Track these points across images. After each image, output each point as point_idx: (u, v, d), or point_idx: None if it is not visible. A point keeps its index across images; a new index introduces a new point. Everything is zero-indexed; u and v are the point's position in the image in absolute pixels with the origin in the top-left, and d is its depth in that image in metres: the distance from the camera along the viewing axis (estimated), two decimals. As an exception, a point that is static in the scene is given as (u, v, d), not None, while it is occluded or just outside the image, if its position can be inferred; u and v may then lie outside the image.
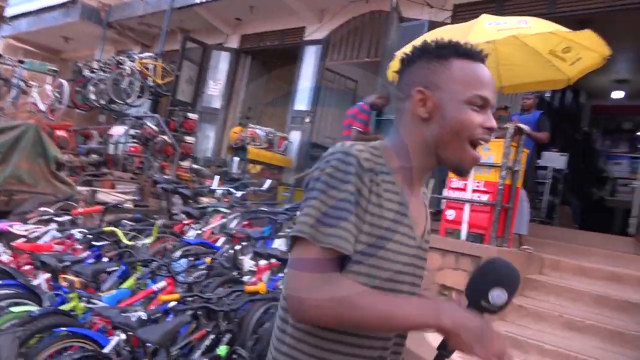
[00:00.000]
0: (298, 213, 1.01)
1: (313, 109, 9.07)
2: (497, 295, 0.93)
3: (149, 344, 2.47)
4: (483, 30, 4.03)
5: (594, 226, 6.30)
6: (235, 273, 4.03)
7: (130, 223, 4.88)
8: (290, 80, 9.75)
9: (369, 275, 1.00)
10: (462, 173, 1.10)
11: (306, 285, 0.93)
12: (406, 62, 1.11)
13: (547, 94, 8.07)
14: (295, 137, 9.15)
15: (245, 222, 5.02)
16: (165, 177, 7.07)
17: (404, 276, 1.06)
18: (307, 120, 8.98)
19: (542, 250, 4.91)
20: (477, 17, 7.08)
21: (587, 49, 4.22)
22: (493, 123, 1.05)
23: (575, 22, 4.87)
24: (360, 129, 5.45)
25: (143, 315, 2.55)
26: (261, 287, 2.96)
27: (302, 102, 9.23)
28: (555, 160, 6.97)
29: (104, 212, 5.20)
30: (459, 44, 1.08)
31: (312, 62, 9.23)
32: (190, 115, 9.76)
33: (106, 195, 6.50)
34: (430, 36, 4.77)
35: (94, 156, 8.58)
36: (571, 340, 3.70)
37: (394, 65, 4.63)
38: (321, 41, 9.18)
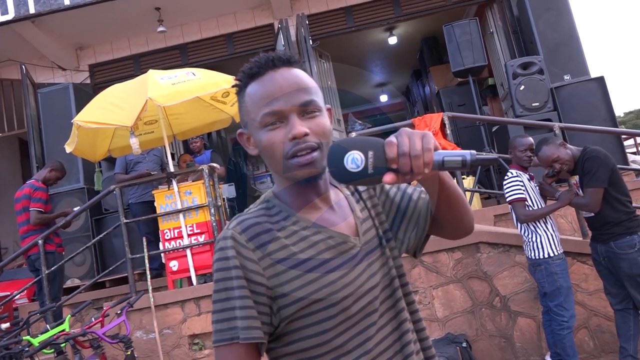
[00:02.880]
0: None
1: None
2: (350, 157, 0.89)
3: None
4: (158, 85, 4.22)
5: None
6: None
7: None
8: None
9: (331, 307, 0.98)
10: (309, 182, 1.03)
11: None
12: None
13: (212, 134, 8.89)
14: None
15: None
16: None
17: (370, 292, 1.03)
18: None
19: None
20: (116, 73, 7.29)
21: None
22: (295, 131, 0.96)
23: (206, 68, 5.56)
24: (40, 209, 4.80)
25: None
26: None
27: None
28: (227, 190, 7.76)
29: None
30: (246, 66, 1.04)
31: None
32: None
33: None
34: (106, 96, 4.62)
35: None
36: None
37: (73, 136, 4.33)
38: None
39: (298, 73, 1.03)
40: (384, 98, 12.49)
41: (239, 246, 0.96)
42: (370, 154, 0.89)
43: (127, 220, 4.71)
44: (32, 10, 6.20)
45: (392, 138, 0.90)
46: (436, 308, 4.36)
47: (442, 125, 4.48)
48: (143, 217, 5.05)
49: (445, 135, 4.48)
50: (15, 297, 5.84)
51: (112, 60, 7.45)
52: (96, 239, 5.31)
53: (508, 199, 3.48)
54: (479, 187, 5.85)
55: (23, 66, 6.52)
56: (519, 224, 3.53)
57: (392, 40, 8.87)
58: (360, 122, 9.36)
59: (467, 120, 6.18)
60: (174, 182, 4.72)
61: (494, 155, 1.11)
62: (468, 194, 5.19)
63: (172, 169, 4.90)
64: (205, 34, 7.35)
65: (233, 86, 1.11)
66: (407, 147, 0.87)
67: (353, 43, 8.56)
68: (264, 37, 7.26)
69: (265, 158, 1.03)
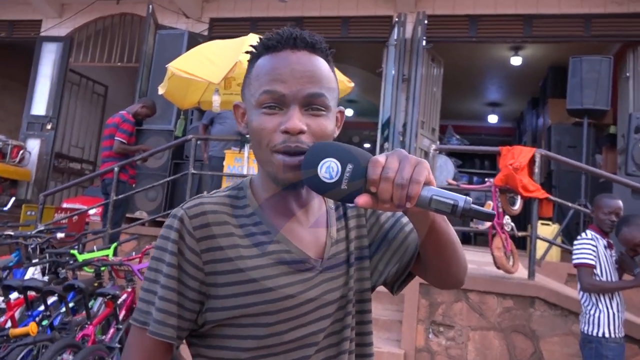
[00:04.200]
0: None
1: (55, 115, 8.05)
2: (326, 165, 0.78)
3: None
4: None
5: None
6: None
7: None
8: (24, 80, 8.44)
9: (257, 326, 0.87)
10: (283, 184, 0.89)
11: None
12: None
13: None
14: (33, 145, 7.95)
15: (-18, 251, 4.18)
16: None
17: (310, 313, 0.90)
18: (49, 127, 7.92)
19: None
20: (232, 31, 7.51)
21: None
22: (290, 124, 0.84)
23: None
24: (123, 140, 5.10)
25: None
26: (32, 327, 2.54)
27: (40, 106, 8.09)
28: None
29: None
30: (266, 35, 0.93)
31: (52, 61, 8.18)
32: None
33: None
34: (204, 49, 4.73)
35: None
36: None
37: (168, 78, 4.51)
38: (63, 39, 8.22)
39: (317, 62, 0.91)
40: (493, 119, 11.81)
41: (184, 231, 0.87)
42: (350, 167, 0.77)
43: (195, 171, 4.85)
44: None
45: (380, 156, 0.77)
46: (469, 351, 4.04)
47: (532, 162, 4.07)
48: (208, 172, 5.17)
49: (531, 174, 4.08)
50: (90, 213, 6.31)
51: (232, 18, 7.70)
52: (165, 180, 5.55)
53: (574, 262, 3.09)
54: (561, 238, 5.32)
55: (151, 6, 6.92)
56: (581, 292, 3.13)
57: (516, 61, 8.29)
58: (458, 137, 8.93)
59: (563, 164, 5.61)
60: (246, 147, 4.77)
61: (490, 211, 0.90)
62: (545, 243, 4.73)
63: (248, 134, 4.94)
64: (325, 12, 7.33)
65: (246, 52, 1.01)
66: (393, 171, 0.74)
67: (471, 54, 8.12)
68: (379, 27, 7.09)
69: (252, 141, 0.92)
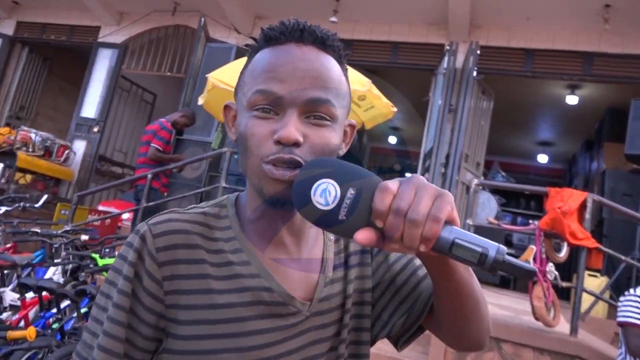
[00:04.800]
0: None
1: (103, 118, 8.24)
2: (322, 187, 0.61)
3: None
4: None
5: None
6: (-9, 309, 3.32)
7: None
8: (78, 83, 8.71)
9: None
10: (272, 203, 0.72)
11: None
12: None
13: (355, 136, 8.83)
14: (79, 147, 8.14)
15: (9, 245, 4.20)
16: None
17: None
18: (96, 129, 8.10)
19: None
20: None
21: (379, 100, 4.71)
22: (284, 132, 0.68)
23: (363, 71, 5.43)
24: (159, 147, 5.10)
25: None
26: (30, 332, 2.44)
27: (90, 109, 8.30)
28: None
29: None
30: (269, 26, 0.78)
31: (106, 66, 8.42)
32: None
33: None
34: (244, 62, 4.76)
35: None
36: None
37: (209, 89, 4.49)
38: (118, 46, 8.46)
39: (327, 61, 0.75)
40: (543, 159, 11.31)
41: (145, 252, 0.71)
42: (351, 192, 0.61)
43: (226, 185, 4.77)
44: (226, -29, 6.62)
45: (392, 182, 0.59)
46: (497, 406, 3.70)
47: (582, 207, 3.75)
48: (240, 188, 5.08)
49: (581, 220, 3.75)
50: (123, 217, 6.34)
51: (282, 36, 7.70)
52: (197, 191, 5.49)
53: (619, 319, 2.78)
54: (610, 293, 4.89)
55: (203, 19, 7.02)
56: (627, 355, 2.79)
57: (572, 100, 7.89)
58: (504, 174, 8.55)
59: (618, 213, 5.21)
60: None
61: (531, 266, 0.63)
62: (591, 297, 4.34)
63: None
64: (375, 36, 7.22)
65: (246, 45, 0.87)
66: (406, 203, 0.57)
67: (524, 89, 7.79)
68: (429, 55, 6.90)
69: (239, 148, 0.76)
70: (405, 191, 0.58)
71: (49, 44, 9.21)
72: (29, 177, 7.54)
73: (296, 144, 0.69)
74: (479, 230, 5.80)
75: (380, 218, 0.58)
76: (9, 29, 9.21)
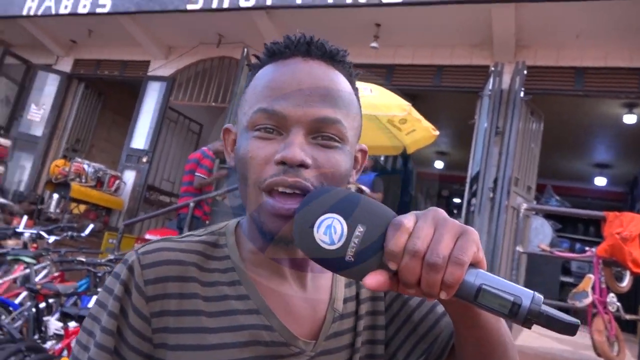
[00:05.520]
0: None
1: (152, 149, 8.49)
2: (326, 223, 0.54)
3: None
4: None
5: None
6: (36, 337, 3.37)
7: None
8: (128, 115, 9.06)
9: None
10: (271, 237, 0.65)
11: None
12: None
13: (382, 158, 8.70)
14: (129, 177, 8.41)
15: (56, 274, 4.30)
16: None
17: None
18: (145, 160, 8.34)
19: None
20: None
21: (420, 123, 4.60)
22: (288, 152, 0.61)
23: (405, 96, 5.35)
24: (204, 176, 5.16)
25: None
26: (66, 362, 2.44)
27: (140, 140, 8.59)
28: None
29: None
30: (274, 41, 0.72)
31: (155, 99, 8.72)
32: (1, 140, 8.43)
33: None
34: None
35: None
36: None
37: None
38: (166, 78, 8.76)
39: (336, 77, 0.69)
40: (601, 181, 10.73)
41: (132, 285, 0.64)
42: (360, 229, 0.54)
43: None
44: (268, 2, 6.75)
45: (407, 217, 0.52)
46: None
47: (646, 232, 3.46)
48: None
49: (645, 246, 3.46)
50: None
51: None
52: (239, 218, 5.48)
53: None
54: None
55: (246, 49, 7.16)
56: None
57: (630, 119, 7.47)
58: (558, 198, 8.14)
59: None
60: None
61: (573, 320, 0.41)
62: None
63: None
64: (418, 60, 7.14)
65: (248, 64, 0.80)
66: (423, 242, 0.49)
67: (576, 109, 7.45)
68: (474, 77, 6.73)
69: (238, 172, 0.69)
70: (423, 228, 0.50)
71: (103, 79, 9.67)
72: (82, 207, 7.82)
73: (303, 166, 0.62)
74: (532, 257, 5.48)
75: (393, 260, 0.50)
76: (67, 66, 9.75)
